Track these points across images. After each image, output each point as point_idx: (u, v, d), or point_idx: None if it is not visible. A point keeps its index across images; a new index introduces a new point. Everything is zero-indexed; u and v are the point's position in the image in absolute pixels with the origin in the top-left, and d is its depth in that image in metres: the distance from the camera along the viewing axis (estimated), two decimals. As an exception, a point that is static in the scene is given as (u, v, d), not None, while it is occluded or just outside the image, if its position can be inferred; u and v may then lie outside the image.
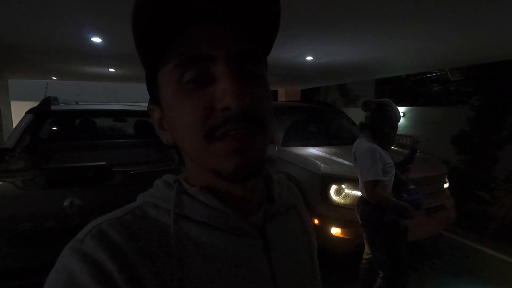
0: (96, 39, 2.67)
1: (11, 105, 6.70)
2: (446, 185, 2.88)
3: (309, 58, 3.58)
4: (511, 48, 3.14)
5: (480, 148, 4.04)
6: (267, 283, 0.37)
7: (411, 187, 1.74)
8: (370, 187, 1.64)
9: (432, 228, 2.59)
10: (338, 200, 2.49)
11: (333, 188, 2.50)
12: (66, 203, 1.56)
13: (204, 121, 0.32)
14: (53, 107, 2.52)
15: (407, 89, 8.33)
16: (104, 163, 1.70)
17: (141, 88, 9.39)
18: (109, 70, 4.55)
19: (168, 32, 0.33)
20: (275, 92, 7.48)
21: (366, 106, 1.74)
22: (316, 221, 2.51)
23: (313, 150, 3.03)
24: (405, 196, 1.68)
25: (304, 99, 8.32)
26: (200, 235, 0.35)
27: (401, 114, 7.29)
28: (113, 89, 9.19)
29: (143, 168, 1.83)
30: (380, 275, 1.76)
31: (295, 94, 7.45)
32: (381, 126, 1.70)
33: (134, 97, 8.86)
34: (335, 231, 2.41)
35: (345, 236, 2.39)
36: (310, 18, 2.27)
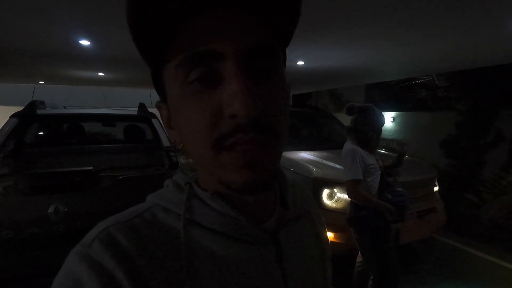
0: (85, 42, 2.62)
1: (-4, 109, 6.51)
2: (436, 188, 2.92)
3: (300, 63, 3.60)
4: (496, 54, 3.23)
5: (468, 152, 4.13)
6: None
7: (398, 189, 1.76)
8: (350, 186, 1.71)
9: (423, 231, 2.60)
10: (330, 204, 2.49)
11: (325, 192, 2.50)
12: (50, 209, 1.50)
13: (211, 129, 0.29)
14: (39, 111, 2.45)
15: (396, 94, 8.47)
16: (91, 168, 1.66)
17: (131, 93, 9.28)
18: (99, 74, 4.48)
19: (168, 23, 0.28)
20: None
21: (349, 110, 1.82)
22: (308, 226, 2.50)
23: (305, 154, 3.03)
24: (389, 196, 1.70)
25: (296, 104, 8.37)
26: (211, 243, 0.33)
27: (391, 119, 7.39)
28: (103, 93, 9.04)
29: (131, 173, 1.79)
30: (371, 277, 1.77)
31: (286, 99, 7.54)
32: (363, 129, 1.76)
33: (125, 102, 8.74)
34: (328, 235, 2.39)
35: (337, 241, 2.38)
36: (302, 23, 2.30)
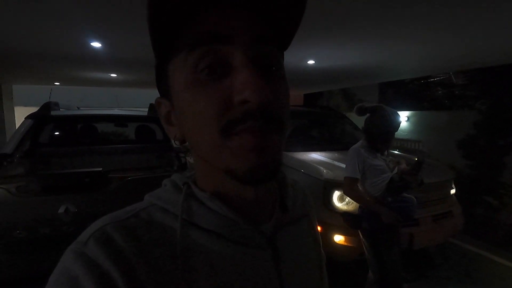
0: (96, 44, 2.66)
1: (16, 110, 6.74)
2: (453, 191, 2.80)
3: (311, 62, 3.54)
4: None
5: (487, 153, 3.95)
6: None
7: (407, 196, 1.69)
8: (346, 183, 1.76)
9: (439, 235, 2.51)
10: (341, 206, 2.43)
11: (336, 194, 2.45)
12: (61, 210, 1.53)
13: (220, 115, 0.29)
14: (53, 113, 2.50)
15: (411, 93, 8.25)
16: (100, 169, 1.67)
17: (144, 94, 9.42)
18: (111, 75, 4.56)
19: (182, 14, 0.30)
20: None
21: (359, 110, 1.81)
22: (319, 228, 2.44)
23: (316, 155, 2.98)
24: (389, 199, 1.67)
25: (308, 103, 8.27)
26: (208, 244, 0.33)
27: (405, 119, 7.20)
28: (115, 94, 9.23)
29: (140, 174, 1.80)
30: (370, 276, 1.78)
31: (298, 98, 7.41)
32: (373, 130, 1.74)
33: (137, 103, 8.90)
34: (339, 238, 2.34)
35: (348, 244, 2.32)
36: (312, 22, 2.24)
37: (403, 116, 7.83)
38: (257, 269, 0.34)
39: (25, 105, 7.87)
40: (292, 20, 0.33)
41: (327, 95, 9.40)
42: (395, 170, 1.83)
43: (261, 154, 0.29)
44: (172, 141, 0.37)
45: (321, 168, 2.60)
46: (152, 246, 0.31)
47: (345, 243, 2.33)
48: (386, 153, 1.84)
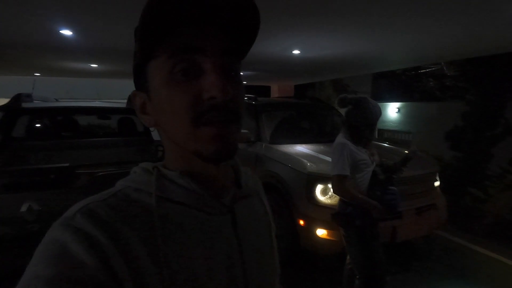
0: (66, 32, 2.52)
1: (-3, 102, 6.51)
2: (437, 184, 2.79)
3: (296, 52, 3.44)
4: (507, 41, 3.03)
5: (474, 145, 3.94)
6: (235, 252, 0.43)
7: (391, 188, 1.65)
8: (335, 181, 1.68)
9: (422, 228, 2.49)
10: (324, 200, 2.39)
11: (319, 187, 2.40)
12: (23, 208, 1.44)
13: (191, 108, 0.37)
14: (24, 105, 2.38)
15: (403, 84, 8.21)
16: (67, 164, 1.58)
17: (130, 85, 9.21)
18: (91, 65, 4.39)
19: (167, 28, 0.37)
20: (268, 88, 7.34)
21: (341, 102, 1.74)
22: (301, 222, 2.41)
23: (301, 148, 2.93)
24: (378, 194, 1.62)
25: (298, 94, 8.19)
26: (179, 213, 0.40)
27: (396, 110, 7.15)
28: (96, 86, 8.97)
29: (111, 170, 1.71)
30: (357, 277, 1.73)
31: (288, 89, 7.31)
32: (356, 123, 1.69)
33: (125, 94, 8.70)
34: (321, 232, 2.31)
35: (331, 238, 2.29)
36: (295, 10, 2.15)
37: (394, 107, 7.82)
38: (219, 231, 0.42)
39: (7, 97, 7.62)
40: (249, 36, 0.43)
41: (318, 86, 9.32)
42: (375, 163, 1.79)
43: (222, 140, 0.38)
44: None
45: (305, 161, 2.55)
46: (132, 217, 0.36)
47: (328, 237, 2.30)
48: (365, 147, 1.77)
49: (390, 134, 7.57)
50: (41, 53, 3.59)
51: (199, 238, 0.40)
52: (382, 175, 1.67)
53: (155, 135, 2.79)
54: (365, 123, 1.67)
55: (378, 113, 1.69)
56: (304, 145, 2.98)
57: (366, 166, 1.69)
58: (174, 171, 0.42)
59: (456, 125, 4.27)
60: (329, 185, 2.37)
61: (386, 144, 3.38)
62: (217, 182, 0.45)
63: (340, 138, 1.72)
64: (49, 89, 10.36)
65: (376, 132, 1.72)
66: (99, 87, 9.33)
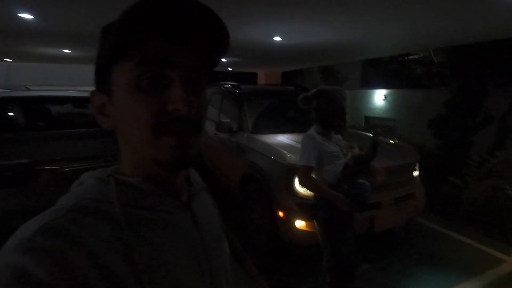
0: (26, 16, 2.33)
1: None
2: (416, 173, 2.80)
3: (277, 38, 3.33)
4: (493, 28, 3.00)
5: (455, 133, 3.99)
6: (198, 243, 0.47)
7: (361, 181, 1.64)
8: (301, 172, 1.69)
9: (400, 218, 2.52)
10: (303, 192, 2.37)
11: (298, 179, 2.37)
12: None
13: (154, 117, 0.38)
14: None
15: (392, 71, 8.19)
16: (25, 161, 1.48)
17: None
18: (64, 51, 4.15)
19: (142, 37, 0.38)
20: (255, 74, 7.19)
21: (303, 102, 1.75)
22: (281, 214, 2.40)
23: (283, 138, 2.88)
24: (345, 187, 1.63)
25: (285, 82, 8.08)
26: (144, 218, 0.40)
27: (382, 97, 7.17)
28: (83, 71, 8.62)
29: (76, 165, 1.62)
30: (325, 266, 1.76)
31: (275, 77, 7.18)
32: (322, 115, 1.70)
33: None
34: (300, 224, 2.30)
35: (310, 229, 2.28)
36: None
37: (381, 95, 7.83)
38: (183, 228, 0.45)
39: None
40: (217, 56, 0.45)
41: (306, 73, 9.21)
42: (349, 155, 1.76)
43: (181, 150, 0.39)
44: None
45: (285, 152, 2.50)
46: (98, 229, 0.36)
47: (307, 229, 2.29)
48: (345, 133, 1.78)
49: (376, 121, 7.62)
50: (2, 38, 3.34)
51: (166, 237, 0.42)
52: (353, 168, 1.66)
53: None
54: (330, 112, 1.67)
55: (341, 99, 1.68)
56: (287, 135, 2.94)
57: (336, 158, 1.68)
58: (133, 177, 0.42)
59: (438, 114, 4.29)
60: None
61: (371, 133, 3.37)
62: (174, 183, 0.47)
63: (310, 131, 1.72)
64: (25, 76, 9.92)
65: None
66: (80, 74, 8.97)
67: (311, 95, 1.74)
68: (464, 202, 3.36)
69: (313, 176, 1.74)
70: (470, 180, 3.30)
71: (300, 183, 1.74)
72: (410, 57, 7.48)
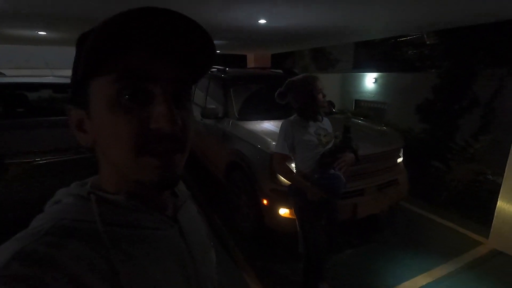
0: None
1: None
2: (400, 160, 2.82)
3: (262, 21, 3.20)
4: (483, 11, 2.93)
5: (442, 117, 4.00)
6: (186, 256, 0.45)
7: (334, 173, 1.64)
8: (275, 159, 1.75)
9: (382, 204, 2.54)
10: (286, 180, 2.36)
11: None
12: None
13: (136, 136, 0.36)
14: None
15: (384, 53, 8.09)
16: None
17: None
18: (39, 33, 3.93)
19: (118, 49, 0.35)
20: (244, 57, 7.00)
21: (278, 98, 1.78)
22: (265, 202, 2.40)
23: (269, 125, 2.83)
24: (316, 177, 1.65)
25: (275, 65, 7.91)
26: (129, 236, 0.38)
27: (373, 80, 7.12)
28: (66, 53, 8.25)
29: (48, 158, 1.56)
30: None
31: (265, 60, 7.01)
32: (298, 106, 1.72)
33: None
34: (284, 211, 2.31)
35: (293, 217, 2.30)
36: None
37: (371, 78, 7.77)
38: (171, 243, 0.43)
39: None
40: (203, 66, 0.43)
41: (297, 56, 9.03)
42: (330, 145, 1.74)
43: (165, 170, 0.38)
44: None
45: (269, 140, 2.47)
46: (80, 251, 0.33)
47: (290, 216, 2.30)
48: (321, 119, 1.76)
49: (366, 105, 7.61)
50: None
51: (153, 255, 0.40)
52: (328, 157, 1.66)
53: None
54: (302, 102, 1.69)
55: (309, 87, 1.68)
56: (273, 122, 2.89)
57: (314, 147, 1.68)
58: (115, 193, 0.40)
59: (426, 98, 4.28)
60: (293, 165, 2.34)
61: (363, 121, 3.33)
62: (159, 197, 0.45)
63: (290, 118, 1.73)
64: (4, 57, 9.49)
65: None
66: (65, 55, 8.61)
67: (283, 88, 1.75)
68: (446, 186, 3.42)
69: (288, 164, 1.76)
70: (454, 165, 3.35)
71: (274, 169, 1.81)
72: (402, 39, 7.39)
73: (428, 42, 6.59)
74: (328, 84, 8.74)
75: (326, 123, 1.83)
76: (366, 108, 6.43)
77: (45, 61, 5.15)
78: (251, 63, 6.90)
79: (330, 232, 1.89)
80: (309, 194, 1.64)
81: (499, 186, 2.62)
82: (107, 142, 0.38)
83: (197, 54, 0.40)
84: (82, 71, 0.37)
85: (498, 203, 2.62)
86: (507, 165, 2.54)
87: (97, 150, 0.41)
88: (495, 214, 2.64)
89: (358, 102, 8.11)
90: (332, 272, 2.26)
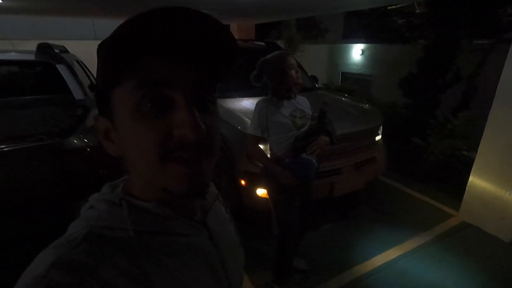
0: None
1: None
2: (378, 137, 2.82)
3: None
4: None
5: (425, 92, 3.97)
6: (216, 260, 0.46)
7: (305, 157, 1.62)
8: (248, 141, 1.72)
9: (360, 182, 2.58)
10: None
11: (260, 147, 2.32)
12: None
13: (160, 145, 0.35)
14: None
15: (373, 22, 7.83)
16: None
17: (70, 23, 7.97)
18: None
19: (136, 56, 0.35)
20: (227, 27, 6.67)
21: (254, 80, 1.73)
22: (242, 182, 2.39)
23: (247, 103, 2.75)
24: (287, 161, 1.64)
25: (260, 36, 7.57)
26: (160, 243, 0.39)
27: (360, 52, 6.94)
28: (39, 24, 7.64)
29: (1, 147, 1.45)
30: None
31: (248, 31, 6.68)
32: (270, 85, 1.66)
33: (63, 34, 7.52)
34: (261, 192, 2.31)
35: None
36: None
37: (358, 50, 7.58)
38: (200, 248, 0.44)
39: None
40: (224, 66, 0.41)
41: (284, 26, 8.63)
42: (305, 128, 1.70)
43: (193, 178, 0.37)
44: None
45: (247, 119, 2.40)
46: (114, 260, 0.34)
47: (267, 196, 2.31)
48: (295, 96, 1.70)
49: (352, 77, 7.50)
50: None
51: (184, 262, 0.40)
52: (302, 141, 1.63)
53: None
54: (275, 80, 1.63)
55: (281, 64, 1.61)
56: (252, 99, 2.80)
57: (287, 130, 1.64)
58: (147, 201, 0.40)
59: (410, 71, 4.22)
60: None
61: (345, 98, 3.26)
62: (187, 202, 0.45)
63: (265, 97, 1.68)
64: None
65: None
66: (37, 24, 7.99)
67: (257, 71, 1.70)
68: (424, 161, 3.49)
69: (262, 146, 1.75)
70: (432, 141, 3.39)
71: (247, 151, 1.77)
72: (393, 7, 7.14)
73: (418, 11, 6.39)
74: (315, 56, 8.52)
75: (303, 102, 1.76)
76: (352, 81, 6.32)
77: (0, 31, 4.74)
78: (234, 34, 6.59)
79: (304, 212, 1.91)
80: (280, 178, 1.63)
81: (473, 161, 2.68)
82: (132, 151, 0.38)
83: (217, 53, 0.39)
84: (102, 81, 0.37)
85: (470, 178, 2.69)
86: (481, 141, 2.58)
87: (124, 160, 0.41)
88: (467, 188, 2.73)
89: (344, 74, 7.98)
90: (308, 248, 2.33)
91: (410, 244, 2.45)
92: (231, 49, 0.40)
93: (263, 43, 4.07)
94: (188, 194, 0.37)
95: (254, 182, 2.30)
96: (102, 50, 0.34)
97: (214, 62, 0.40)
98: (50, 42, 2.68)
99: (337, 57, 8.24)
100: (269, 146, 1.75)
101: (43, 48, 2.44)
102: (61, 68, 2.41)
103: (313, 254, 2.31)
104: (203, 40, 0.36)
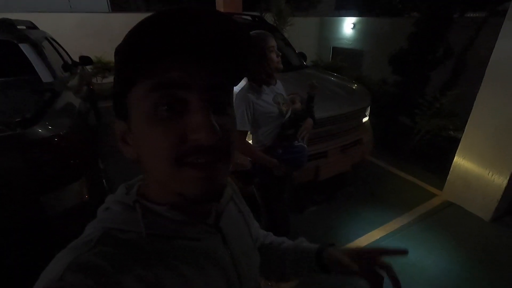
0: None
1: None
2: (365, 119, 2.76)
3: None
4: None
5: (415, 68, 3.87)
6: (229, 265, 0.46)
7: (298, 144, 1.55)
8: (238, 137, 1.55)
9: (345, 164, 2.55)
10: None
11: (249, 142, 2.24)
12: None
13: (175, 149, 0.35)
14: None
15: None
16: None
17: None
18: None
19: (150, 59, 0.34)
20: (213, 1, 6.24)
21: None
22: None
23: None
24: (280, 151, 1.53)
25: (247, 7, 7.16)
26: (172, 247, 0.40)
27: (351, 26, 6.70)
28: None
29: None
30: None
31: (236, 2, 6.30)
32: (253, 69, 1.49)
33: (24, 6, 6.92)
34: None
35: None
36: None
37: (350, 23, 7.32)
38: (213, 252, 0.44)
39: None
40: (240, 66, 0.40)
41: (273, -4, 8.17)
42: (289, 113, 1.61)
43: (209, 182, 0.37)
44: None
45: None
46: (129, 263, 0.35)
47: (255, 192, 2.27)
48: (275, 82, 1.58)
49: (343, 52, 7.30)
50: None
51: (196, 266, 0.40)
52: (289, 128, 1.54)
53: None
54: (254, 64, 1.45)
55: (260, 43, 1.45)
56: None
57: (274, 119, 1.53)
58: (161, 205, 0.41)
59: (401, 47, 4.08)
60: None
61: (333, 77, 3.14)
62: (203, 207, 0.45)
63: (241, 90, 1.50)
64: None
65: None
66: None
67: None
68: (411, 141, 3.48)
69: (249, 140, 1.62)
70: (419, 120, 3.36)
71: (238, 148, 1.63)
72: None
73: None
74: (305, 30, 8.20)
75: (279, 85, 1.66)
76: (343, 57, 6.14)
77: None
78: (220, 7, 6.20)
79: (288, 198, 1.88)
80: (275, 170, 1.54)
81: (459, 141, 2.67)
82: (147, 154, 0.38)
83: (233, 54, 0.38)
84: (118, 84, 0.38)
85: (455, 157, 2.70)
86: (468, 122, 2.55)
87: (140, 163, 0.40)
88: (451, 168, 2.74)
89: (335, 49, 7.77)
90: (292, 230, 2.34)
91: (393, 225, 2.48)
92: (247, 49, 0.38)
93: (249, 17, 3.84)
94: (203, 198, 0.37)
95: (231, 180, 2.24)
96: (118, 53, 0.34)
97: (229, 64, 0.39)
98: (16, 15, 2.45)
99: (328, 31, 7.95)
100: (256, 138, 1.61)
101: (3, 25, 2.23)
102: (24, 48, 2.21)
103: (297, 237, 2.32)
104: (219, 41, 0.35)
